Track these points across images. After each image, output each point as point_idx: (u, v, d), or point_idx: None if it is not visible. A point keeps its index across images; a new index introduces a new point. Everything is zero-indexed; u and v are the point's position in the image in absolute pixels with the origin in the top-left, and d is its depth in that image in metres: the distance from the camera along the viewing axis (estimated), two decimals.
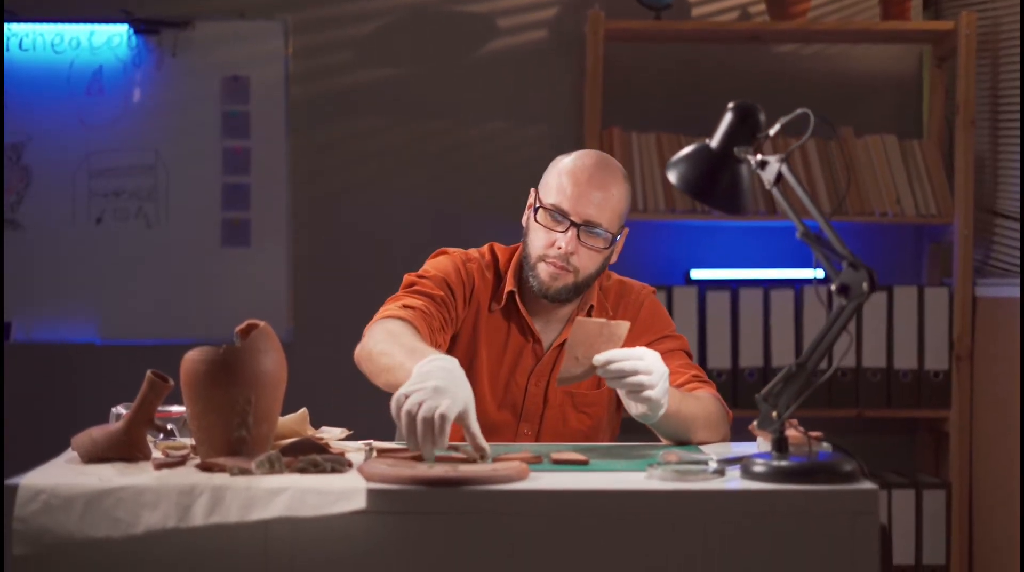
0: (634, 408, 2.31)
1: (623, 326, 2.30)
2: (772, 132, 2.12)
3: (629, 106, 4.32)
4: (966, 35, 4.07)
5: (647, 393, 2.27)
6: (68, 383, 4.32)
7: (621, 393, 2.31)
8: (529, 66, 4.37)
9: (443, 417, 2.05)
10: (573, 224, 2.55)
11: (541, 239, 2.58)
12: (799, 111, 2.07)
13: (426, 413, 2.05)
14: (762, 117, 2.16)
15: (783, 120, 2.09)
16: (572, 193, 2.55)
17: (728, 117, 2.17)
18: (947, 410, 4.13)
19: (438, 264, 2.68)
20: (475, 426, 2.11)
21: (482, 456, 2.12)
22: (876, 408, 4.14)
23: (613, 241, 2.59)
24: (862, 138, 4.20)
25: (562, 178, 2.57)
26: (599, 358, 2.27)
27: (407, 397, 2.09)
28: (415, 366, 2.18)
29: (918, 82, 4.41)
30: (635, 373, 2.26)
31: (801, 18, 4.15)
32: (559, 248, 2.55)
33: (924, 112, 4.37)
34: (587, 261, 2.57)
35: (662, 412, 2.32)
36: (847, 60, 4.41)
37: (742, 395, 4.05)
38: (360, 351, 2.48)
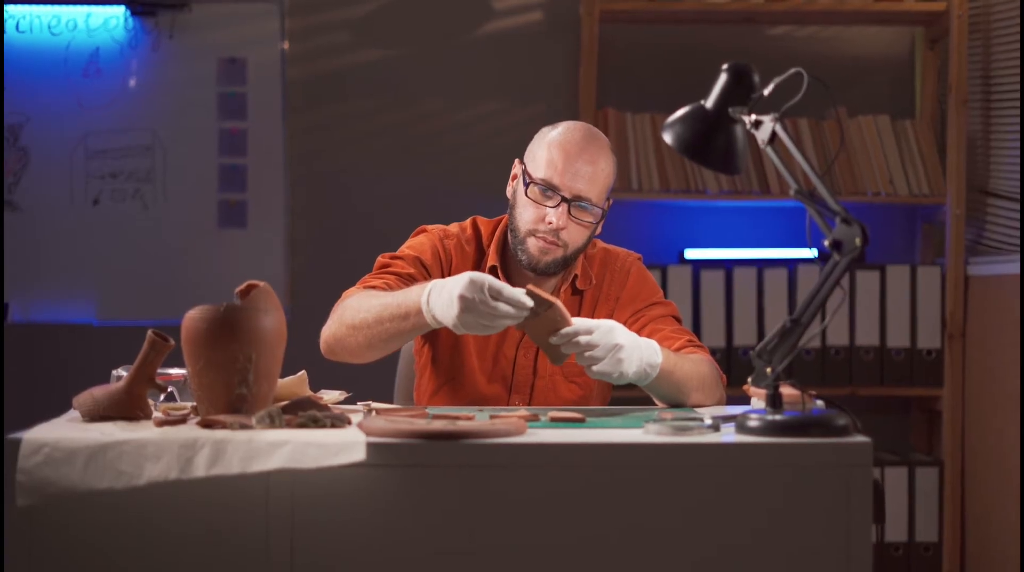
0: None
1: (555, 309, 2.30)
2: (767, 92, 2.14)
3: (624, 87, 4.35)
4: (958, 16, 4.10)
5: (594, 368, 2.32)
6: (66, 363, 4.34)
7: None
8: (525, 47, 4.39)
9: (497, 291, 2.22)
10: (564, 199, 2.56)
11: (530, 214, 2.59)
12: (792, 71, 2.10)
13: (479, 297, 2.20)
14: (756, 78, 2.19)
15: (777, 80, 2.12)
16: (562, 167, 2.55)
17: (723, 78, 2.20)
18: (939, 388, 4.16)
19: (415, 243, 2.70)
20: (504, 285, 2.24)
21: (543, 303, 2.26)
22: (869, 386, 4.16)
23: (603, 215, 2.61)
24: (855, 118, 4.22)
25: (552, 152, 2.57)
26: (554, 339, 2.31)
27: (459, 308, 2.22)
28: (420, 297, 2.31)
29: (911, 63, 4.43)
30: (579, 349, 2.30)
31: None
32: (549, 223, 2.56)
33: (917, 93, 4.40)
34: (576, 235, 2.59)
35: (631, 377, 2.34)
36: (841, 42, 4.44)
37: (736, 373, 4.07)
38: (335, 329, 2.49)
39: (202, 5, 4.35)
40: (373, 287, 2.53)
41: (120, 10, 4.33)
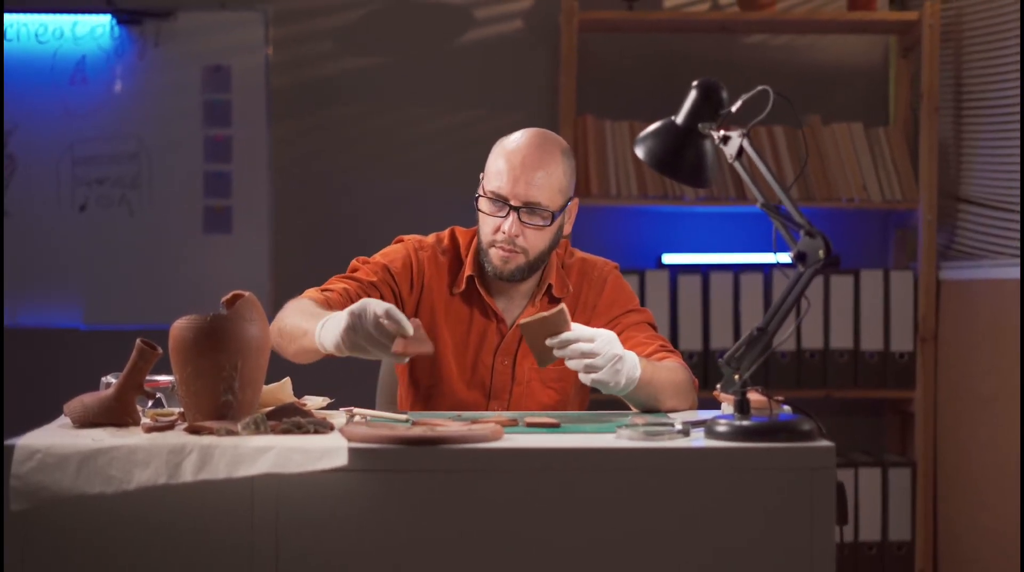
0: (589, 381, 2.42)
1: (561, 313, 2.38)
2: (734, 108, 2.22)
3: (603, 94, 4.43)
4: (930, 25, 4.18)
5: (592, 376, 2.39)
6: (53, 367, 4.39)
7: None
8: (505, 55, 4.46)
9: (384, 313, 2.20)
10: (513, 208, 2.63)
11: (488, 225, 2.67)
12: (759, 88, 2.17)
13: (370, 323, 2.19)
14: (725, 94, 2.26)
15: (744, 97, 2.20)
16: (508, 178, 2.62)
17: (692, 94, 2.27)
18: (912, 390, 4.24)
19: (389, 252, 2.78)
20: (402, 317, 2.21)
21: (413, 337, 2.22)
22: (843, 389, 4.24)
23: (555, 217, 2.66)
24: (829, 126, 4.30)
25: (499, 162, 2.65)
26: (551, 341, 2.38)
27: (343, 337, 2.23)
28: (316, 326, 2.33)
29: (884, 71, 4.52)
30: (581, 356, 2.37)
31: (770, 9, 4.25)
32: (504, 233, 2.63)
33: (890, 100, 4.49)
34: (535, 240, 2.65)
35: (622, 388, 2.42)
36: (815, 50, 4.52)
37: (713, 376, 4.15)
38: (272, 325, 2.55)
39: (187, 14, 4.41)
40: (328, 289, 2.63)
41: (106, 19, 4.39)
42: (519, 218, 2.62)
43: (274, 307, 4.31)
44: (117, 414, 2.21)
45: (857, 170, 4.26)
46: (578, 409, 2.79)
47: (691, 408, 2.61)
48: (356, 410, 2.40)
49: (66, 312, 4.42)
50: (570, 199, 2.70)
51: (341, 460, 1.97)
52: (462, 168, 4.42)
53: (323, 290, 2.64)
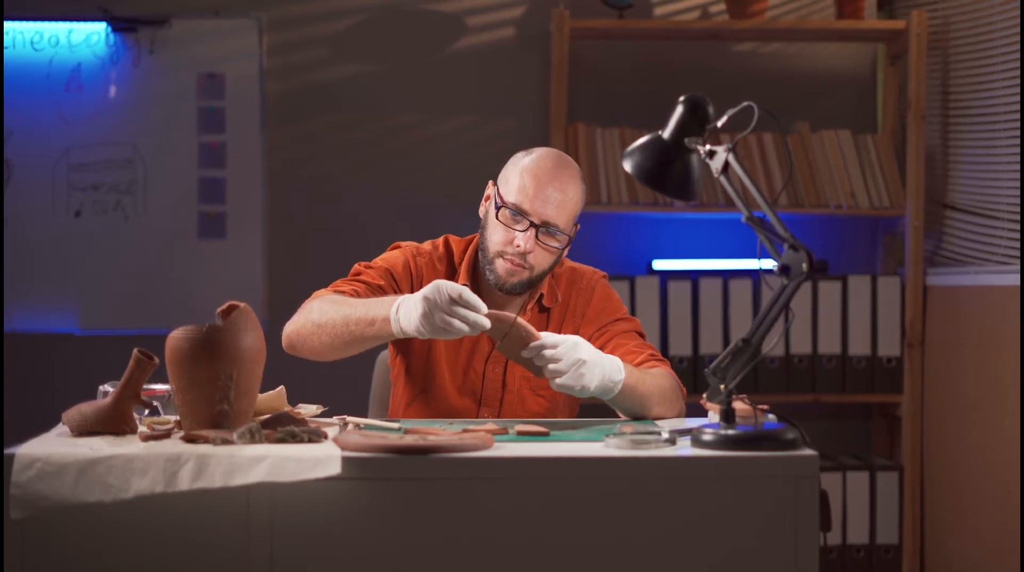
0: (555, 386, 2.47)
1: (516, 326, 2.42)
2: (720, 123, 2.26)
3: (593, 102, 4.47)
4: (917, 34, 4.22)
5: (557, 381, 2.43)
6: (49, 372, 4.42)
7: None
8: (497, 63, 4.50)
9: (458, 295, 2.34)
10: (532, 224, 2.66)
11: (500, 236, 2.70)
12: (744, 104, 2.21)
13: (446, 305, 2.33)
14: (711, 109, 2.30)
15: (730, 112, 2.24)
16: (533, 194, 2.66)
17: (679, 109, 2.31)
18: (899, 395, 4.28)
19: (388, 257, 2.82)
20: (476, 299, 2.37)
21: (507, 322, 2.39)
22: (832, 393, 4.29)
23: (569, 241, 2.72)
24: (818, 133, 4.35)
25: (523, 178, 2.68)
26: (525, 353, 2.43)
27: (423, 322, 2.36)
28: (393, 304, 2.44)
29: (872, 79, 4.56)
30: (544, 362, 2.42)
31: (759, 17, 4.29)
32: (517, 246, 2.67)
33: (878, 108, 4.53)
34: (542, 259, 2.70)
35: (592, 392, 2.45)
36: (804, 58, 4.56)
37: (702, 381, 4.19)
38: (301, 326, 2.61)
39: (182, 21, 4.45)
40: (342, 292, 2.66)
41: (101, 26, 4.42)
42: (536, 235, 2.66)
43: (269, 312, 4.41)
44: (114, 423, 2.25)
45: (845, 177, 4.31)
46: (568, 417, 2.83)
47: (679, 415, 2.65)
48: (349, 419, 2.44)
49: (62, 317, 4.45)
50: (576, 225, 2.75)
51: (334, 469, 2.01)
52: (454, 174, 4.47)
53: (336, 291, 2.68)
